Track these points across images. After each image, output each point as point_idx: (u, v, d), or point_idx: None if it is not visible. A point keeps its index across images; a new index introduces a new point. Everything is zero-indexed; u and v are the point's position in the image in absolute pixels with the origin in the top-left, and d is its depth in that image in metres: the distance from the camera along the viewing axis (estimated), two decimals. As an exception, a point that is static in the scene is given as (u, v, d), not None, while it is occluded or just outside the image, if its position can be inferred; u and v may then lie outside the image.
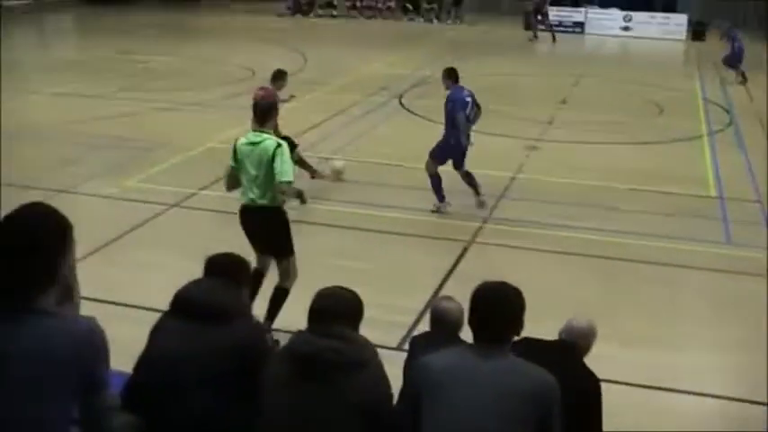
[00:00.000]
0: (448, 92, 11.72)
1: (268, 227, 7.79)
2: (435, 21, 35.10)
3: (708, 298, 9.58)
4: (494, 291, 3.99)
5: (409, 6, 35.70)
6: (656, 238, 11.03)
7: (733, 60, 23.51)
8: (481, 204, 11.89)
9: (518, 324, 3.98)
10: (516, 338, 4.82)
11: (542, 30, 31.83)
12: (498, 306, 3.93)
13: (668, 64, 28.04)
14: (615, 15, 33.52)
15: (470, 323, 4.01)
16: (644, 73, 23.96)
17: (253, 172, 7.57)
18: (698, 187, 13.43)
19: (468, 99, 11.67)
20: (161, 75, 21.35)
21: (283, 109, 16.59)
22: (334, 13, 36.15)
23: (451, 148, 11.72)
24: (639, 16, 33.29)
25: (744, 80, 22.71)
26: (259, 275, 7.79)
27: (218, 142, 14.85)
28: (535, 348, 5.04)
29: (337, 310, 4.20)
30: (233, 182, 7.86)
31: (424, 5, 35.44)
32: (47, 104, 17.93)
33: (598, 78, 23.02)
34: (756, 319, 8.89)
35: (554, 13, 33.80)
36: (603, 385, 5.11)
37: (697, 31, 32.26)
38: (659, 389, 7.50)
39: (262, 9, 36.85)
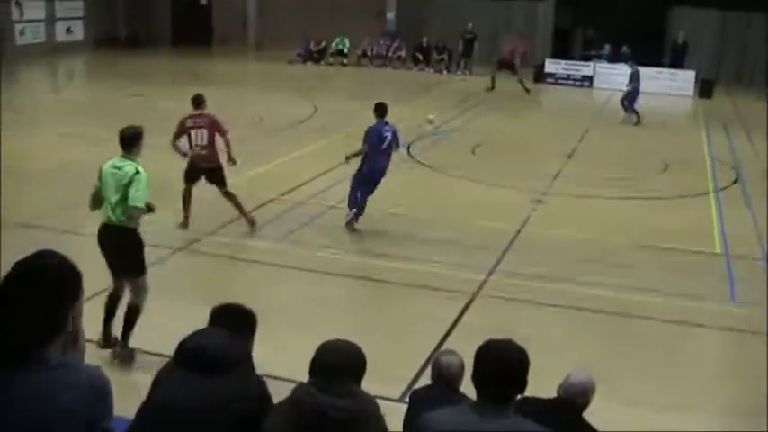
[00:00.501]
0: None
1: (122, 245, 8.46)
2: (445, 72, 35.30)
3: (712, 357, 9.56)
4: (499, 349, 3.95)
5: (419, 56, 35.91)
6: (661, 294, 11.03)
7: (628, 100, 25.03)
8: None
9: (522, 384, 3.95)
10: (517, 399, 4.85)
11: (551, 82, 32.10)
12: (504, 365, 3.89)
13: (675, 120, 28.16)
14: (623, 70, 33.64)
15: (474, 380, 3.97)
16: (651, 129, 24.06)
17: (112, 194, 8.31)
18: (703, 244, 13.42)
19: (388, 134, 12.88)
20: (171, 119, 21.44)
21: (289, 158, 16.80)
22: (345, 61, 36.39)
23: (363, 176, 12.95)
24: (647, 71, 33.36)
25: (638, 122, 24.33)
26: (115, 299, 8.61)
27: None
28: (535, 408, 4.99)
29: (341, 365, 4.19)
30: (96, 202, 8.54)
31: (434, 56, 35.65)
32: (54, 145, 18.00)
33: (605, 133, 23.09)
34: (761, 379, 8.88)
35: (562, 67, 34.03)
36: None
37: (704, 88, 32.37)
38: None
39: (273, 56, 37.11)
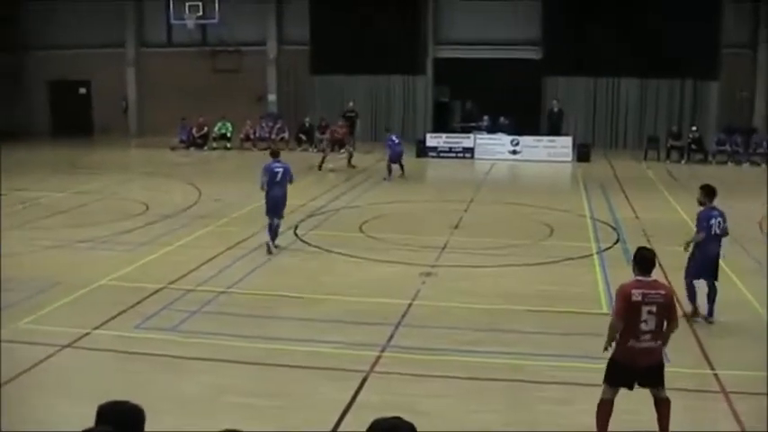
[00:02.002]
0: None
1: None
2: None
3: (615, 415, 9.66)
4: (386, 426, 3.96)
5: (302, 137, 36.14)
6: (554, 357, 11.18)
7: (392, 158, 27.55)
8: None
9: None
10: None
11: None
12: None
13: (556, 185, 28.89)
14: (503, 140, 34.49)
15: None
16: (533, 195, 24.62)
17: None
18: (590, 305, 13.70)
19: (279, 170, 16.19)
20: (52, 212, 21.04)
21: (176, 245, 16.63)
22: (228, 145, 36.36)
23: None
24: (526, 140, 34.30)
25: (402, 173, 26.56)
26: None
27: (110, 279, 14.66)
28: None
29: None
30: None
31: (317, 135, 35.91)
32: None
33: (489, 202, 23.52)
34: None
35: (444, 140, 34.64)
36: None
37: (582, 153, 33.35)
38: None
39: (154, 143, 36.88)
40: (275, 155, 17.74)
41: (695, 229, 13.12)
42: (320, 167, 29.23)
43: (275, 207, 17.12)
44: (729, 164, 32.11)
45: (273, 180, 17.08)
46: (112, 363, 11.09)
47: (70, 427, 4.45)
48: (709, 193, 13.02)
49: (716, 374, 10.64)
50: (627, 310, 8.49)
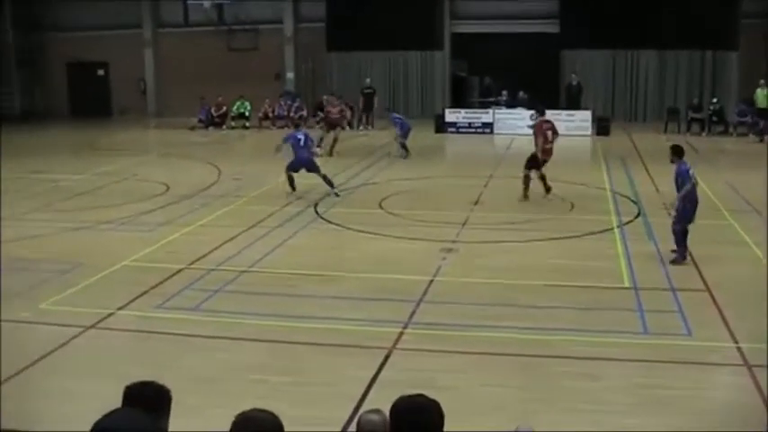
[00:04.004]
0: None
1: None
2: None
3: (629, 389, 9.65)
4: (411, 405, 3.98)
5: (321, 114, 36.11)
6: (574, 332, 11.16)
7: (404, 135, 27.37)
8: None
9: None
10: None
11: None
12: (416, 419, 3.92)
13: (576, 159, 28.72)
14: (522, 114, 34.33)
15: None
16: (553, 169, 24.51)
17: None
18: (612, 279, 13.66)
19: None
20: (73, 194, 21.15)
21: (197, 225, 16.70)
22: (247, 124, 36.42)
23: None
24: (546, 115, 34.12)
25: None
26: None
27: (131, 260, 14.73)
28: None
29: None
30: None
31: (319, 114, 35.90)
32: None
33: (509, 177, 23.45)
34: (681, 406, 9.04)
35: (462, 116, 34.59)
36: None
37: (601, 127, 33.20)
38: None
39: (173, 123, 36.98)
40: (297, 126, 22.73)
41: (681, 185, 14.34)
42: (331, 153, 27.57)
43: (300, 166, 20.23)
44: (751, 135, 31.82)
45: (298, 145, 20.20)
46: (135, 343, 11.17)
47: (95, 407, 4.47)
48: (678, 151, 14.74)
49: (739, 347, 10.59)
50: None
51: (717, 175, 22.11)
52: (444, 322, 11.54)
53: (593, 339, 10.92)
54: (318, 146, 24.86)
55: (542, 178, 20.17)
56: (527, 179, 20.02)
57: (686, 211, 14.39)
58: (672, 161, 14.75)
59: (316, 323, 11.59)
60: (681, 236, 14.44)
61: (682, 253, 14.42)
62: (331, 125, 29.15)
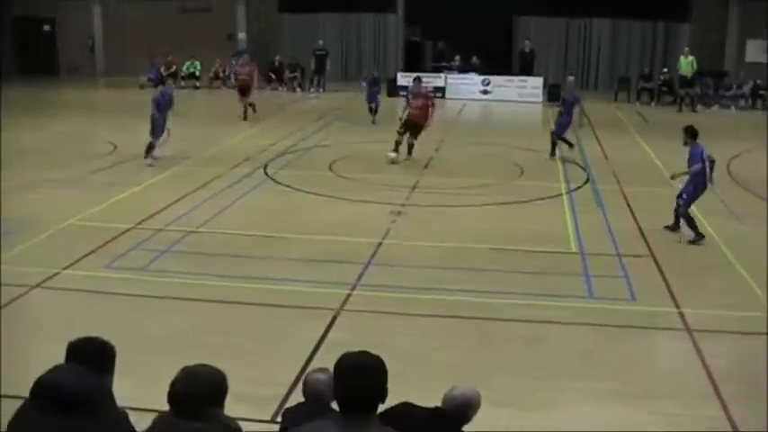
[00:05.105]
0: None
1: None
2: (299, 90, 35.38)
3: (576, 352, 9.79)
4: (354, 360, 4.00)
5: (272, 76, 35.87)
6: (522, 296, 11.26)
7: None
8: None
9: (380, 392, 3.97)
10: (399, 402, 5.04)
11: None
12: (359, 376, 3.93)
13: (527, 125, 28.90)
14: (475, 80, 34.44)
15: (335, 394, 4.01)
16: (504, 135, 24.65)
17: None
18: (559, 244, 13.79)
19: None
20: (19, 152, 20.80)
21: (145, 185, 16.53)
22: (197, 84, 36.04)
23: None
24: (498, 80, 34.28)
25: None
26: None
27: (78, 219, 14.56)
28: (414, 414, 5.22)
29: (197, 391, 4.10)
30: None
31: (287, 74, 35.68)
32: None
33: (460, 142, 23.51)
34: (625, 369, 9.20)
35: (414, 80, 34.47)
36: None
37: (553, 93, 33.34)
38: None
39: (123, 83, 36.43)
40: (163, 83, 22.46)
41: (690, 165, 14.04)
42: (245, 117, 26.53)
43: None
44: (699, 106, 32.15)
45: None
46: (82, 302, 11.05)
47: (42, 366, 4.42)
48: (692, 133, 14.27)
49: (681, 313, 10.77)
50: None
51: (666, 144, 22.33)
52: (393, 284, 11.57)
53: (541, 303, 11.02)
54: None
55: (411, 146, 20.54)
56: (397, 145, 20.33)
57: (689, 194, 14.09)
58: (685, 143, 14.30)
59: (264, 284, 11.56)
60: (688, 218, 14.03)
61: (698, 233, 13.96)
62: (241, 90, 27.38)
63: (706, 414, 8.23)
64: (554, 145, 20.98)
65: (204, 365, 4.27)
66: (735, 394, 8.55)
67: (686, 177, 14.19)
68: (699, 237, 13.92)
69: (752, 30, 34.89)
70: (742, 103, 32.97)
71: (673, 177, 14.66)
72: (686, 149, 14.30)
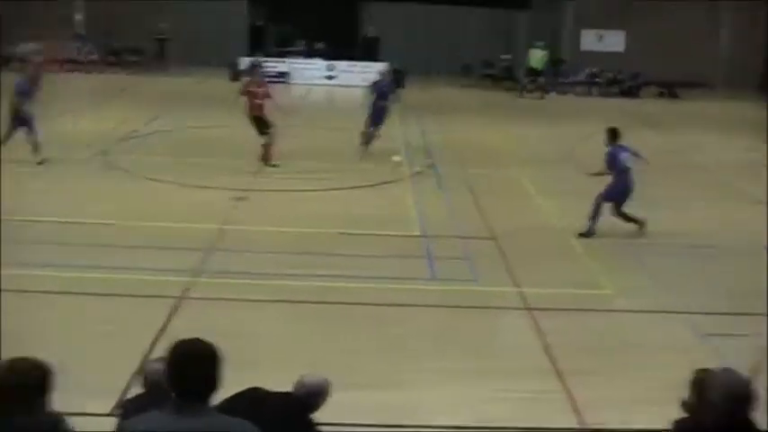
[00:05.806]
0: None
1: None
2: (140, 74, 34.58)
3: (423, 333, 9.91)
4: (185, 348, 3.95)
5: (112, 59, 34.91)
6: (368, 279, 11.29)
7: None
8: None
9: (213, 378, 3.94)
10: (247, 388, 5.15)
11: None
12: (190, 363, 3.92)
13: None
14: (319, 65, 34.42)
15: (168, 383, 3.97)
16: (348, 120, 24.62)
17: None
18: (403, 227, 13.91)
19: None
20: None
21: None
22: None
23: None
24: (342, 65, 34.37)
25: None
26: None
27: None
28: (262, 399, 5.27)
29: (18, 384, 3.94)
30: None
31: (128, 57, 34.79)
32: None
33: (304, 127, 23.40)
34: (472, 348, 9.39)
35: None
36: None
37: (397, 78, 33.57)
38: (393, 427, 7.68)
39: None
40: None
41: (608, 165, 13.74)
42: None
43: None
44: (537, 92, 33.06)
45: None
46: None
47: None
48: (614, 134, 13.92)
49: (521, 292, 11.02)
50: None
51: (508, 128, 22.89)
52: (236, 270, 11.41)
53: (387, 286, 11.09)
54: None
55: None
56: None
57: (617, 189, 13.65)
58: (606, 145, 13.89)
59: (101, 273, 11.15)
60: (596, 211, 13.64)
61: (591, 230, 13.67)
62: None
63: (546, 388, 8.44)
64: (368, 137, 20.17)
65: (24, 359, 4.10)
66: (571, 369, 8.80)
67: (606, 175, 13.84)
68: (589, 233, 13.64)
69: (586, 19, 36.32)
70: (578, 89, 34.27)
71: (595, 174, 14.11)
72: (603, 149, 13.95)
